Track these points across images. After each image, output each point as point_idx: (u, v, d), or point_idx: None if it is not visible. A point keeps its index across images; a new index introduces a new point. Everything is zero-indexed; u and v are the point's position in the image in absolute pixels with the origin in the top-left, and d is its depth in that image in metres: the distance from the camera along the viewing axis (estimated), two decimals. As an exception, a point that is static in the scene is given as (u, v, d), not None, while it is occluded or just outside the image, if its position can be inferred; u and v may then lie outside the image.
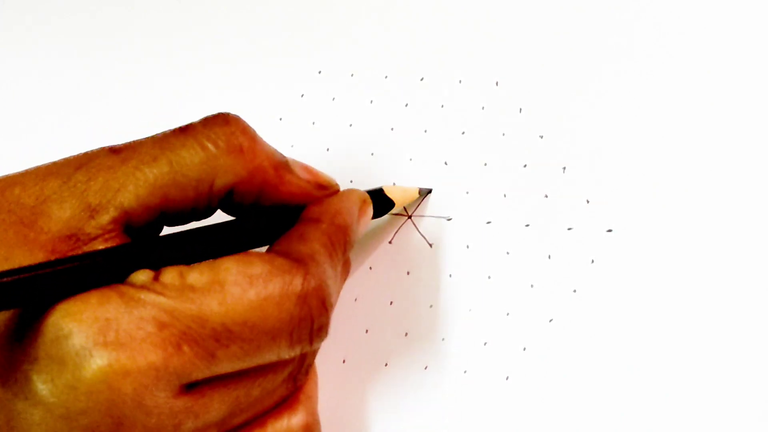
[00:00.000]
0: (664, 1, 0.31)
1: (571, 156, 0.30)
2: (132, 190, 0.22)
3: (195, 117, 0.39)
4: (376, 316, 0.31)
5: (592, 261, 0.29)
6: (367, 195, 0.28)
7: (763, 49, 0.29)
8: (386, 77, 0.36)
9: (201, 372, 0.21)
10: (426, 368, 0.30)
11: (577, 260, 0.29)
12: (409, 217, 0.32)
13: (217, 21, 0.41)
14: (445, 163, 0.33)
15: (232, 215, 0.26)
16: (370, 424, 0.29)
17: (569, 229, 0.30)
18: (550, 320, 0.29)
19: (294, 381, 0.24)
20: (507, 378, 0.28)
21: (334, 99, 0.36)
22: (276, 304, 0.21)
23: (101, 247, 0.21)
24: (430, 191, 0.32)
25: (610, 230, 0.29)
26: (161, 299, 0.20)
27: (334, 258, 0.24)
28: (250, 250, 0.23)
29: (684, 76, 0.30)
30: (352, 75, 0.36)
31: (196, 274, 0.21)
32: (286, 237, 0.24)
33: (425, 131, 0.34)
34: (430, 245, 0.32)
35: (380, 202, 0.29)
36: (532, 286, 0.29)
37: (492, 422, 0.28)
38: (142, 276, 0.21)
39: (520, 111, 0.32)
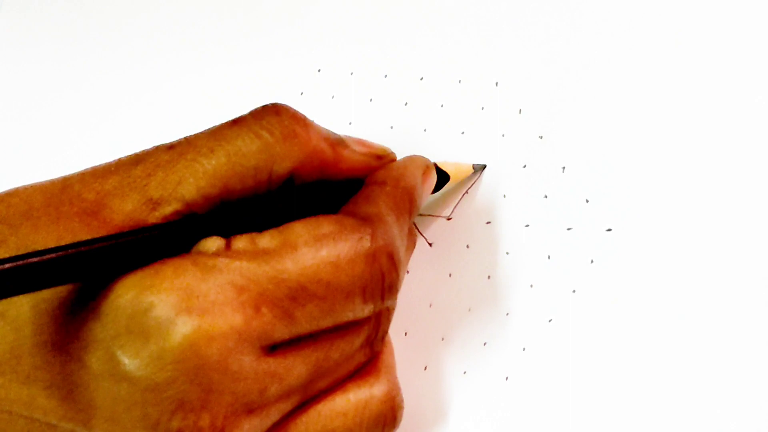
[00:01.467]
0: (664, 1, 0.31)
1: (570, 156, 0.31)
2: (192, 182, 0.22)
3: (195, 116, 0.39)
4: (375, 315, 0.31)
5: (592, 261, 0.29)
6: (430, 161, 0.28)
7: (763, 49, 0.29)
8: (386, 76, 0.35)
9: (281, 332, 0.21)
10: (425, 368, 0.30)
11: (577, 260, 0.29)
12: (409, 216, 0.32)
13: (217, 20, 0.41)
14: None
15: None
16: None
17: (569, 229, 0.30)
18: (550, 320, 0.29)
19: (371, 346, 0.24)
20: (506, 378, 0.28)
21: (333, 97, 0.36)
22: (348, 261, 0.22)
23: None
24: (484, 167, 0.32)
25: (609, 230, 0.29)
26: (236, 263, 0.20)
27: (401, 219, 0.25)
28: (319, 215, 0.23)
29: (684, 75, 0.30)
30: (351, 73, 0.36)
31: (267, 239, 0.21)
32: (353, 200, 0.25)
33: (425, 130, 0.34)
34: (430, 245, 0.32)
35: (437, 176, 0.29)
36: (531, 286, 0.29)
37: (491, 423, 0.28)
38: (213, 243, 0.21)
39: (520, 111, 0.32)
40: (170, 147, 0.23)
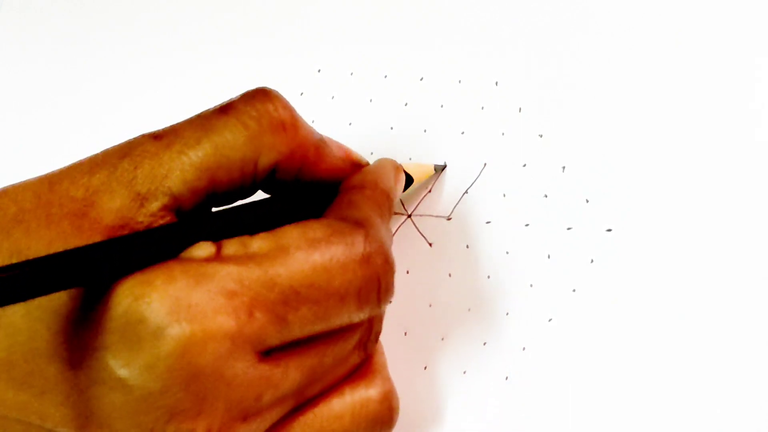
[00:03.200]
0: (664, 1, 0.31)
1: (570, 155, 0.30)
2: (179, 175, 0.22)
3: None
4: (375, 315, 0.31)
5: (592, 261, 0.29)
6: (398, 163, 0.28)
7: (762, 49, 0.29)
8: (386, 76, 0.35)
9: (274, 337, 0.21)
10: (425, 368, 0.30)
11: (577, 260, 0.29)
12: (409, 216, 0.32)
13: (217, 20, 0.41)
14: (445, 163, 0.33)
15: (270, 194, 0.26)
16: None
17: (569, 228, 0.30)
18: (550, 320, 0.29)
19: (364, 348, 0.24)
20: (506, 378, 0.28)
21: (333, 98, 0.36)
22: (341, 265, 0.22)
23: None
24: (444, 167, 0.32)
25: (609, 230, 0.29)
26: (227, 269, 0.20)
27: (385, 221, 0.25)
28: (309, 219, 0.23)
29: (684, 75, 0.30)
30: (351, 74, 0.36)
31: (259, 242, 0.21)
32: (335, 206, 0.24)
33: (425, 131, 0.34)
34: (430, 244, 0.32)
35: None
36: (531, 285, 0.29)
37: (491, 423, 0.28)
38: (203, 249, 0.21)
39: (520, 110, 0.32)
40: (156, 137, 0.22)
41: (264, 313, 0.20)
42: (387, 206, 0.25)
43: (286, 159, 0.23)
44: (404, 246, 0.32)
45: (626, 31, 0.31)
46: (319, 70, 0.37)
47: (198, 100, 0.39)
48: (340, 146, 0.26)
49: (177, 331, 0.19)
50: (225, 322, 0.20)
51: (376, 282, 0.23)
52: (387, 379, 0.25)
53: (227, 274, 0.20)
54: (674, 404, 0.26)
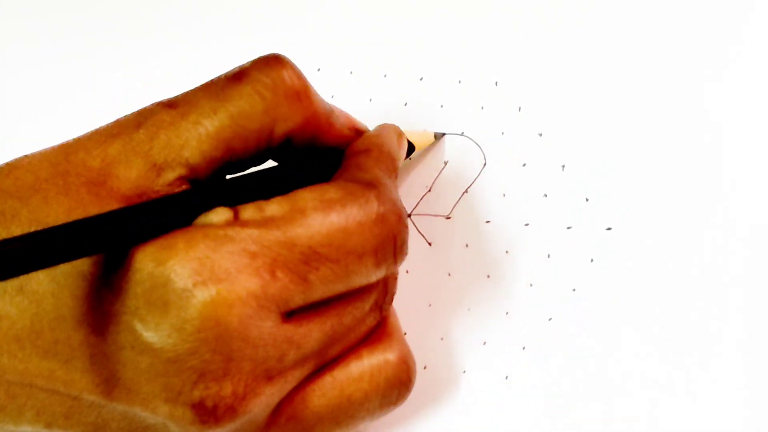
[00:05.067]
0: (664, 1, 0.31)
1: (570, 155, 0.30)
2: (195, 145, 0.22)
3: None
4: (374, 314, 0.31)
5: (592, 260, 0.29)
6: (400, 129, 0.29)
7: (763, 49, 0.29)
8: (385, 76, 0.35)
9: (297, 297, 0.21)
10: (425, 368, 0.30)
11: (577, 259, 0.29)
12: (409, 215, 0.32)
13: (216, 19, 0.41)
14: (445, 162, 0.33)
15: (278, 161, 0.26)
16: (366, 424, 0.29)
17: (568, 228, 0.30)
18: (550, 319, 0.29)
19: (380, 309, 0.24)
20: (506, 377, 0.28)
21: (332, 97, 0.36)
22: (357, 224, 0.22)
23: None
24: (443, 135, 0.32)
25: (609, 229, 0.29)
26: (246, 232, 0.20)
27: (393, 181, 0.25)
28: (321, 183, 0.23)
29: (683, 75, 0.30)
30: (351, 73, 0.36)
31: (275, 206, 0.21)
32: (344, 170, 0.25)
33: (424, 130, 0.34)
34: (429, 244, 0.32)
35: None
36: (531, 285, 0.29)
37: (491, 422, 0.28)
38: (221, 214, 0.21)
39: (519, 110, 0.32)
40: (170, 105, 0.23)
41: (286, 273, 0.20)
42: (393, 167, 0.26)
43: (300, 128, 0.24)
44: (404, 245, 0.32)
45: (626, 30, 0.31)
46: (318, 69, 0.37)
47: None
48: (344, 114, 0.27)
49: (203, 292, 0.19)
50: (250, 282, 0.20)
51: (391, 240, 0.23)
52: (403, 342, 0.25)
53: (247, 237, 0.20)
54: (673, 404, 0.26)
